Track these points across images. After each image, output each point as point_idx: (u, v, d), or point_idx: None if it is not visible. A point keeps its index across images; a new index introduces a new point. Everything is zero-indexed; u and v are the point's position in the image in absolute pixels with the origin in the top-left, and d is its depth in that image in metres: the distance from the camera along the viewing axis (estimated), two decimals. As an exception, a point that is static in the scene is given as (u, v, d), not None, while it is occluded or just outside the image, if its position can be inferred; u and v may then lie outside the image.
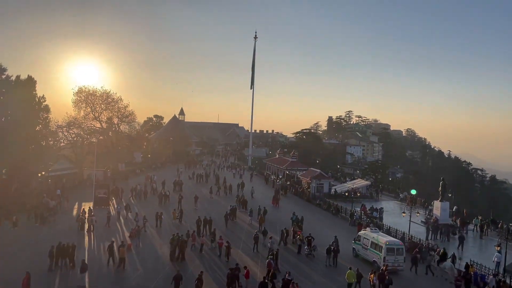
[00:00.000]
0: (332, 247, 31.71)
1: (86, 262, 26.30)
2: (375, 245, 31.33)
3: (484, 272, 29.61)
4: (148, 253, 32.05)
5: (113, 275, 27.43)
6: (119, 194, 51.52)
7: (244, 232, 38.56)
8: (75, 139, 74.67)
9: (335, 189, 61.72)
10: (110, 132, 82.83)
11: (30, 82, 52.52)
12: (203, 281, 24.16)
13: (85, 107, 77.78)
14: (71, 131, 74.24)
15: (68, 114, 74.48)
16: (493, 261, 31.28)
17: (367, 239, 32.53)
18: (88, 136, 77.56)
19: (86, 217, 37.99)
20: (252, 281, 25.98)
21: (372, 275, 26.47)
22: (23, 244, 33.12)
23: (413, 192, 35.94)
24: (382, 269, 27.12)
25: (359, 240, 33.68)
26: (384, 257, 29.95)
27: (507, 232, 37.99)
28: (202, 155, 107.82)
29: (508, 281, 28.07)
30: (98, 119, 79.64)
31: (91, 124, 78.83)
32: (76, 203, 48.67)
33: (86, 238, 35.42)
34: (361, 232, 34.41)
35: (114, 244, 30.45)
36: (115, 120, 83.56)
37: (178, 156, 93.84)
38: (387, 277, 26.04)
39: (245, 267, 26.50)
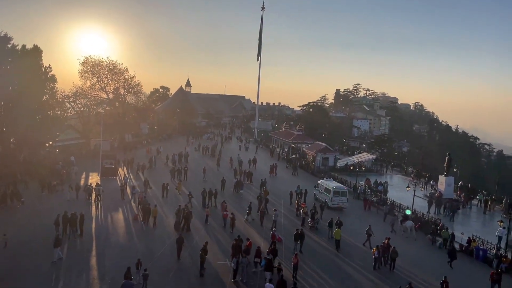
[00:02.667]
0: (335, 220, 32.09)
1: (60, 237, 25.97)
2: (327, 189, 40.70)
3: (486, 246, 29.92)
4: (154, 225, 32.62)
5: (120, 246, 28.03)
6: (132, 165, 52.08)
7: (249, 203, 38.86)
8: (81, 109, 74.99)
9: (347, 162, 61.83)
10: (117, 103, 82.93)
11: (36, 51, 52.30)
12: (208, 251, 24.62)
13: (92, 77, 77.75)
14: (77, 101, 74.56)
15: (74, 84, 74.64)
16: (496, 236, 31.49)
17: (323, 185, 42.01)
18: (95, 107, 77.88)
19: (94, 187, 38.49)
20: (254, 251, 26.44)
21: (374, 249, 26.79)
22: (30, 213, 33.81)
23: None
24: (384, 242, 27.40)
25: (318, 187, 42.92)
26: (332, 198, 39.47)
27: (509, 207, 38.13)
28: (208, 127, 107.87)
29: (510, 255, 28.41)
30: (104, 89, 79.69)
31: (97, 94, 78.98)
32: (84, 173, 49.30)
33: (94, 208, 36.06)
34: (320, 181, 43.74)
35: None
36: (122, 91, 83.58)
37: (185, 128, 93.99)
38: (391, 248, 26.37)
39: (248, 239, 26.96)
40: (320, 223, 34.04)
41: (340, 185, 42.81)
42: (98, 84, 78.44)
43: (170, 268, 24.54)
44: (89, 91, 76.77)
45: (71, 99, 72.62)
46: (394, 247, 26.62)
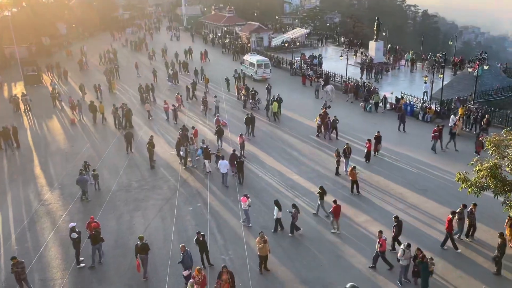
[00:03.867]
0: (276, 97, 32.87)
1: None
2: (251, 63, 43.68)
3: (413, 101, 32.39)
4: (95, 125, 31.90)
5: (63, 152, 27.44)
6: (59, 70, 48.06)
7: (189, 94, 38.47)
8: (-17, 14, 66.28)
9: (282, 40, 60.96)
10: (24, 3, 73.78)
11: None
12: (154, 144, 24.82)
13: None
14: (-24, 6, 65.46)
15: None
16: (423, 92, 33.87)
17: (247, 60, 44.78)
18: (-1, 10, 68.96)
19: (19, 97, 35.97)
20: (201, 139, 27.09)
21: (317, 118, 28.23)
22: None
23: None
24: (322, 111, 28.83)
25: (244, 63, 45.82)
26: (256, 70, 42.64)
27: (434, 63, 40.52)
28: (132, 19, 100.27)
29: (433, 107, 31.14)
30: (4, -12, 69.98)
31: (-3, -5, 69.41)
32: (5, 84, 45.68)
33: (25, 119, 34.24)
34: (244, 57, 46.84)
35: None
36: (25, -12, 73.83)
37: (107, 23, 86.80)
38: (333, 118, 27.87)
39: (193, 127, 27.27)
40: (261, 102, 34.74)
41: (263, 57, 45.94)
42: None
43: (120, 165, 24.75)
44: (-13, -8, 67.19)
45: (-33, 3, 63.48)
46: (335, 116, 28.08)
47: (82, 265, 16.10)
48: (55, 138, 29.77)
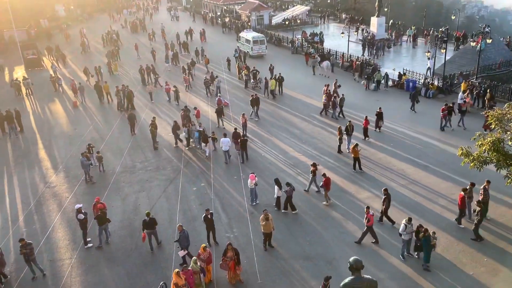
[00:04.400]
0: (276, 77, 32.73)
1: None
2: (247, 40, 44.42)
3: (416, 77, 32.15)
4: (97, 108, 31.94)
5: (66, 135, 27.56)
6: (59, 53, 47.63)
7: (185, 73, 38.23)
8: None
9: (284, 17, 60.00)
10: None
11: None
12: (157, 125, 24.88)
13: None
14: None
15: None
16: (427, 68, 33.46)
17: (243, 37, 45.52)
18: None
19: (21, 81, 35.91)
20: (204, 119, 27.18)
21: (324, 96, 28.16)
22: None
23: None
24: (326, 89, 28.70)
25: (240, 40, 46.60)
26: (252, 47, 43.38)
27: (435, 38, 40.02)
28: (131, 0, 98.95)
29: (436, 82, 30.96)
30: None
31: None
32: (6, 68, 45.55)
33: (28, 103, 34.27)
34: (240, 34, 47.45)
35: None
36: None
37: (105, 4, 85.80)
38: (341, 96, 27.75)
39: (195, 108, 27.28)
40: (263, 82, 34.56)
41: (258, 34, 46.67)
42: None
43: (123, 147, 24.87)
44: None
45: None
46: (343, 95, 27.96)
47: (89, 245, 16.41)
48: (58, 121, 29.85)
